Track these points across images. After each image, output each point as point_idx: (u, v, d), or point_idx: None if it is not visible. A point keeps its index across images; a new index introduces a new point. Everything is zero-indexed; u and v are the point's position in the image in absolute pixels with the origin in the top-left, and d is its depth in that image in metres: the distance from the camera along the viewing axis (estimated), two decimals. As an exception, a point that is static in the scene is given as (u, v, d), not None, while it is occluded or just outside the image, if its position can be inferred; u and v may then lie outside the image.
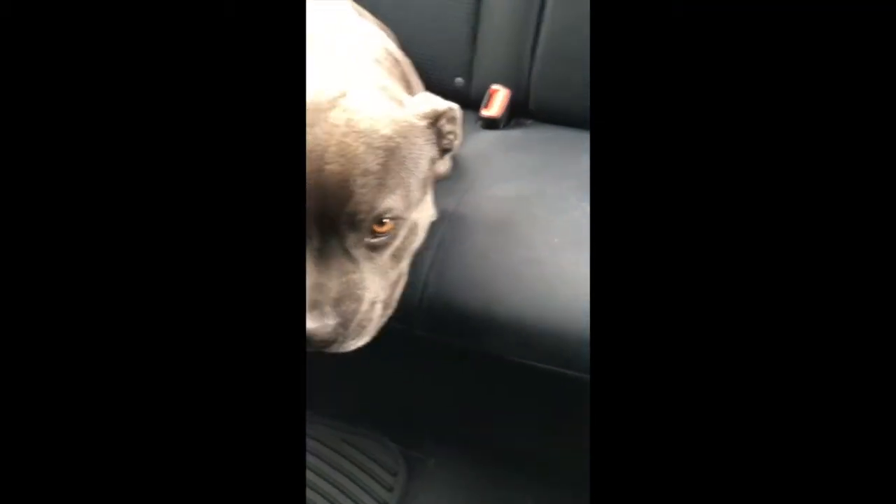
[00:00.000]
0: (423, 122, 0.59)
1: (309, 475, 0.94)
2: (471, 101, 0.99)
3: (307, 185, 0.51)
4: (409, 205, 0.58)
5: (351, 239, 0.54)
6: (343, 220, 0.53)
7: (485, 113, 0.99)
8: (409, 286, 0.67)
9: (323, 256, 0.54)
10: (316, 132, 0.52)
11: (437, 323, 0.68)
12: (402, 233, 0.58)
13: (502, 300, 0.67)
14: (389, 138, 0.55)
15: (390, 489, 0.93)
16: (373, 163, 0.53)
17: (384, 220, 0.55)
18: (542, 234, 0.73)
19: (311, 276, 0.53)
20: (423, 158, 0.59)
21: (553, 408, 0.72)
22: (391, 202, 0.55)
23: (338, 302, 0.53)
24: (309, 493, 0.92)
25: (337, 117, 0.54)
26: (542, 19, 0.97)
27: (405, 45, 0.95)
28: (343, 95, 0.56)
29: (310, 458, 0.95)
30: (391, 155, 0.55)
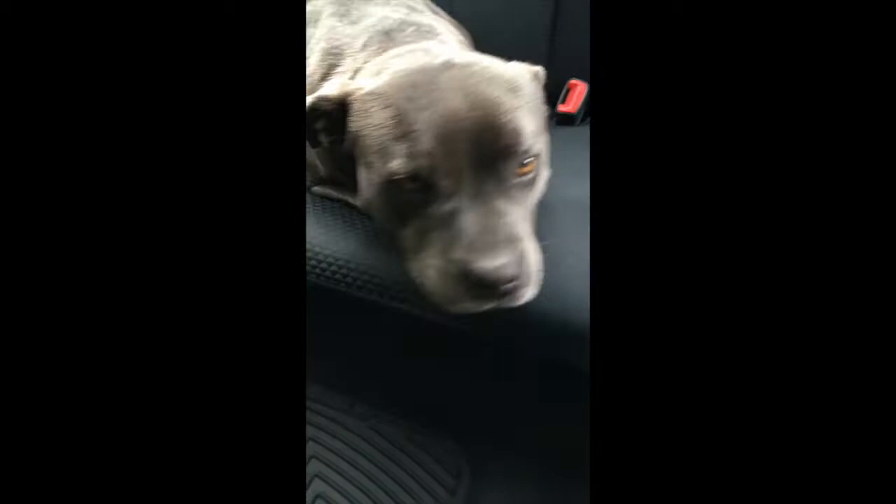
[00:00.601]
0: (529, 74, 0.65)
1: (374, 471, 0.94)
2: (547, 97, 0.96)
3: (446, 140, 0.53)
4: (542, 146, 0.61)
5: (506, 179, 0.56)
6: (499, 156, 0.55)
7: (561, 109, 0.95)
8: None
9: (480, 201, 0.54)
10: (442, 94, 0.55)
11: (505, 326, 0.65)
12: (542, 174, 0.61)
13: (577, 305, 0.63)
14: (515, 81, 0.60)
15: (453, 492, 0.91)
16: (509, 103, 0.57)
17: (526, 161, 0.57)
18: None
19: (473, 221, 0.53)
20: (539, 106, 0.63)
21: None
22: (532, 137, 0.57)
23: (508, 241, 0.53)
24: (373, 489, 0.92)
25: (460, 73, 0.58)
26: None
27: (479, 39, 0.93)
28: (452, 60, 0.60)
29: (376, 455, 0.96)
30: (521, 96, 0.59)
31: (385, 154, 0.57)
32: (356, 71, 0.73)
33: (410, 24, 0.76)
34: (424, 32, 0.76)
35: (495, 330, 0.65)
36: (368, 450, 0.96)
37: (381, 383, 0.98)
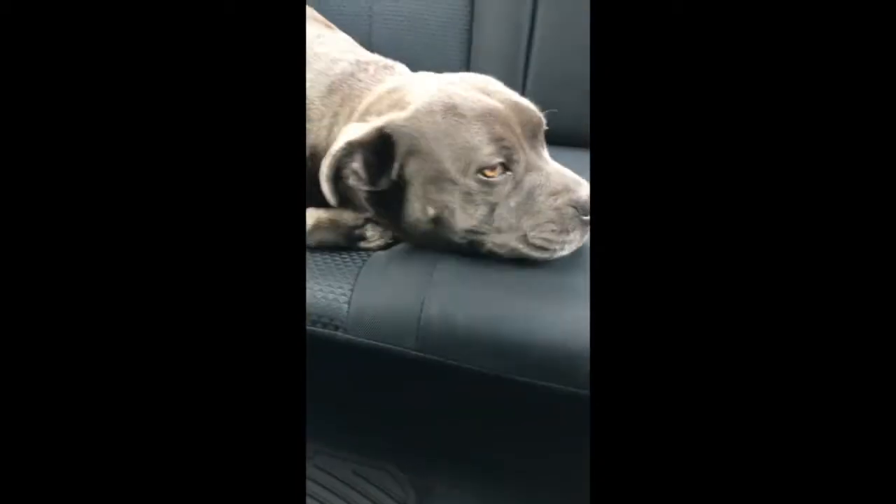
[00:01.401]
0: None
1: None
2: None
3: (506, 128, 0.67)
4: None
5: (543, 145, 0.72)
6: (537, 130, 0.71)
7: None
8: (406, 307, 0.67)
9: (537, 165, 0.69)
10: (475, 98, 0.69)
11: (437, 343, 0.67)
12: None
13: (501, 318, 0.66)
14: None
15: (402, 521, 0.91)
16: (515, 93, 0.74)
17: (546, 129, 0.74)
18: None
19: (547, 177, 0.68)
20: None
21: (556, 425, 0.71)
22: None
23: (577, 181, 0.69)
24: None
25: (470, 82, 0.73)
26: (532, 44, 0.99)
27: (402, 35, 1.03)
28: (453, 77, 0.75)
29: (319, 490, 0.94)
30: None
31: (464, 156, 0.66)
32: (335, 115, 0.77)
33: (368, 62, 0.84)
34: (386, 68, 0.84)
35: (422, 349, 0.67)
36: (314, 489, 0.94)
37: (326, 419, 0.97)
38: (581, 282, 0.69)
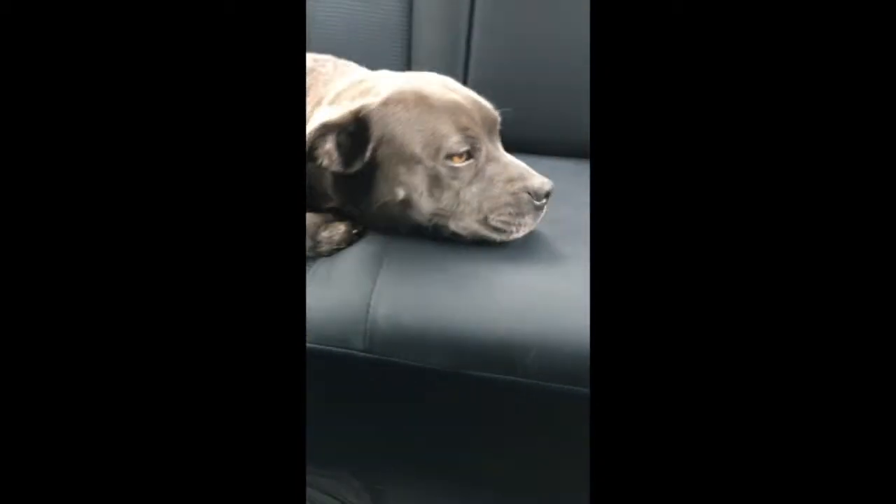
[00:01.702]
0: None
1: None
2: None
3: (470, 119, 0.74)
4: None
5: (499, 138, 0.80)
6: (494, 124, 0.79)
7: None
8: (352, 308, 0.67)
9: (495, 155, 0.76)
10: (441, 91, 0.76)
11: (385, 344, 0.67)
12: None
13: (447, 315, 0.66)
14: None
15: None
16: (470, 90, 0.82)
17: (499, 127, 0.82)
18: (485, 248, 0.75)
19: (505, 167, 0.76)
20: None
21: (508, 420, 0.72)
22: None
23: (529, 171, 0.76)
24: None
25: (431, 79, 0.80)
26: (470, 49, 1.02)
27: (340, 37, 1.09)
28: (413, 73, 0.85)
29: None
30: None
31: (433, 142, 0.72)
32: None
33: (325, 59, 0.92)
34: (345, 64, 0.92)
35: (371, 349, 0.67)
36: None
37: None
38: (522, 272, 0.71)
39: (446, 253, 0.75)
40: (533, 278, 0.71)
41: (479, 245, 0.76)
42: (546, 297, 0.68)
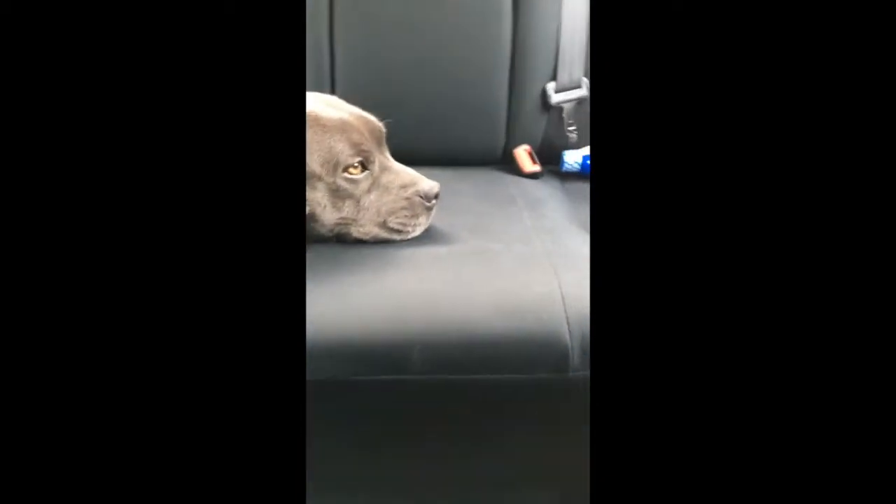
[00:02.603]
0: None
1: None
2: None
3: (362, 135, 0.81)
4: None
5: (387, 149, 0.88)
6: (382, 137, 0.86)
7: (528, 171, 1.15)
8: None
9: (386, 165, 0.84)
10: (332, 110, 0.83)
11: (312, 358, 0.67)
12: None
13: (330, 325, 0.67)
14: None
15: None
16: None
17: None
18: (365, 258, 0.77)
19: (396, 175, 0.84)
20: None
21: (413, 419, 0.73)
22: None
23: (419, 177, 0.85)
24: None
25: (322, 99, 0.87)
26: (334, 67, 1.05)
27: None
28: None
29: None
30: None
31: (331, 159, 0.78)
32: None
33: None
34: None
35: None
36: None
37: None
38: (400, 275, 0.74)
39: (325, 265, 0.76)
40: (411, 280, 0.74)
41: (358, 254, 0.79)
42: (424, 295, 0.70)
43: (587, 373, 0.67)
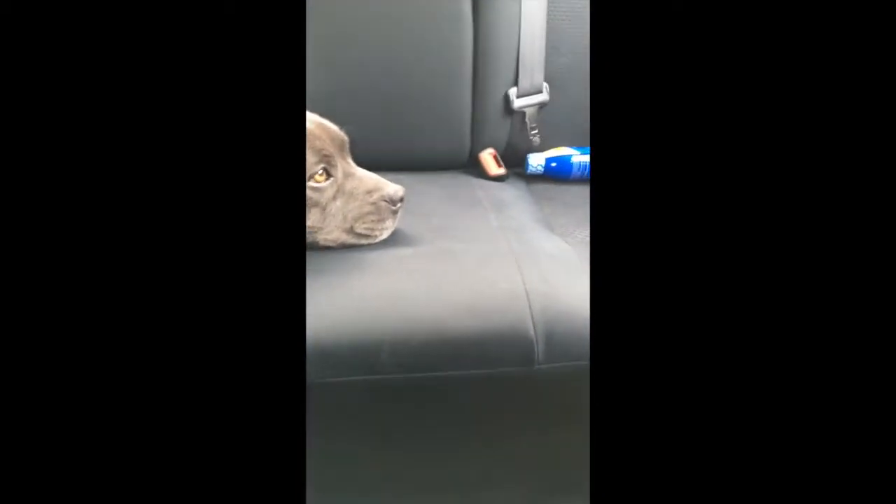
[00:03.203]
0: None
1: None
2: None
3: (326, 144, 0.81)
4: None
5: (350, 155, 0.88)
6: (345, 145, 0.87)
7: (494, 174, 1.16)
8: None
9: (350, 171, 0.85)
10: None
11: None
12: None
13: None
14: None
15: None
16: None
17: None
18: (332, 262, 0.78)
19: (360, 180, 0.85)
20: None
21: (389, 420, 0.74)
22: None
23: (384, 181, 0.86)
24: None
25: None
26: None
27: None
28: None
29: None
30: None
31: None
32: None
33: None
34: None
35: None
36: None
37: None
38: (367, 277, 0.75)
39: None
40: (377, 281, 0.75)
41: (324, 258, 0.79)
42: (391, 295, 0.72)
43: (552, 366, 0.69)
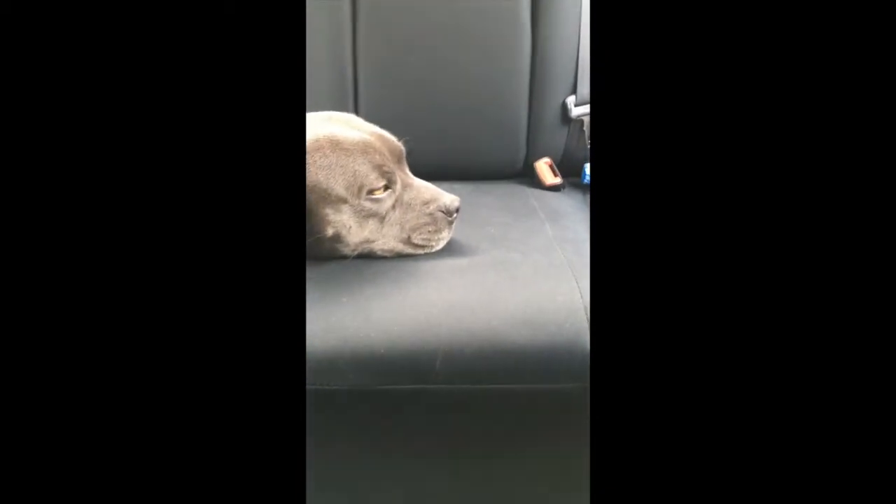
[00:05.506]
0: None
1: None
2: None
3: (383, 156, 0.82)
4: None
5: (407, 166, 0.89)
6: (402, 156, 0.87)
7: (550, 183, 1.15)
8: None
9: (407, 182, 0.85)
10: (350, 132, 0.82)
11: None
12: None
13: (356, 337, 0.69)
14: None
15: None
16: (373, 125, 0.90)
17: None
18: (388, 271, 0.79)
19: (419, 191, 0.85)
20: None
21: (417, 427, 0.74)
22: None
23: (441, 191, 0.87)
24: None
25: (337, 119, 0.87)
26: (357, 88, 1.06)
27: None
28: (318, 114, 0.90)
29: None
30: None
31: (355, 182, 0.79)
32: None
33: None
34: None
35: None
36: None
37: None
38: (423, 288, 0.74)
39: (347, 278, 0.77)
40: (433, 291, 0.75)
41: (380, 267, 0.80)
42: (446, 305, 0.71)
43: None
